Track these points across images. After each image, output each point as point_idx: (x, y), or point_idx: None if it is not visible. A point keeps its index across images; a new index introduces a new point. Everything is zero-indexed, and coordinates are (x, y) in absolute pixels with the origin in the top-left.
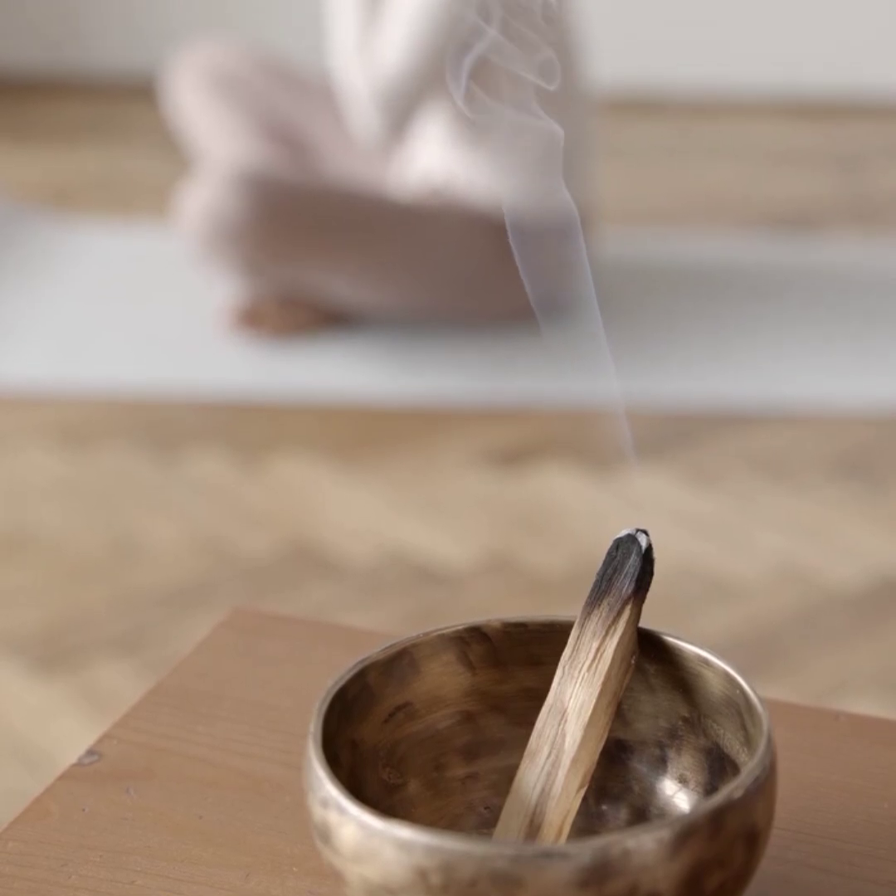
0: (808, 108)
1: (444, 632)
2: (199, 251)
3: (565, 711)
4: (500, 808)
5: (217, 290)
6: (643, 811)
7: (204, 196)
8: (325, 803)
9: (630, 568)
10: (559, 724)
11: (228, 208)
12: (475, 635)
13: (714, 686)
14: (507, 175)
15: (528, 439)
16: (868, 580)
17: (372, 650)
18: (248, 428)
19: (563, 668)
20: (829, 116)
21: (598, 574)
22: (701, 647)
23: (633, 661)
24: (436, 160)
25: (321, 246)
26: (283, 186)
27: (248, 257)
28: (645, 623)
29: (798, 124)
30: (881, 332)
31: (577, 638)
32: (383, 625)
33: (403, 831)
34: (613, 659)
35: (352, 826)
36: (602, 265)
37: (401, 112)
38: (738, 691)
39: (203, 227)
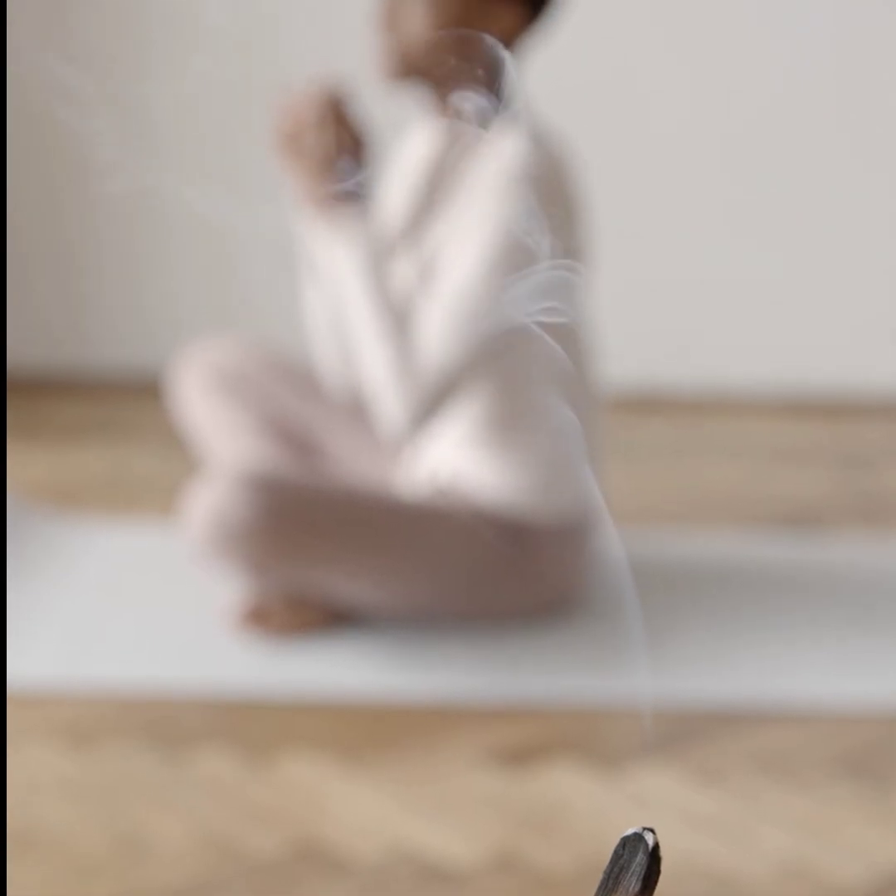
0: (812, 406)
1: None
2: (204, 553)
3: None
4: None
5: (223, 589)
6: None
7: (209, 499)
8: None
9: (637, 867)
10: None
11: (233, 512)
12: None
13: None
14: (527, 473)
15: (536, 737)
16: (874, 879)
17: None
18: (255, 726)
19: None
20: (833, 415)
21: (604, 872)
22: None
23: None
24: (443, 459)
25: (327, 548)
26: (288, 490)
27: (254, 559)
28: None
29: (801, 422)
30: (885, 631)
31: None
32: None
33: None
34: None
35: None
36: (606, 563)
37: (431, 406)
38: None
39: (208, 531)
